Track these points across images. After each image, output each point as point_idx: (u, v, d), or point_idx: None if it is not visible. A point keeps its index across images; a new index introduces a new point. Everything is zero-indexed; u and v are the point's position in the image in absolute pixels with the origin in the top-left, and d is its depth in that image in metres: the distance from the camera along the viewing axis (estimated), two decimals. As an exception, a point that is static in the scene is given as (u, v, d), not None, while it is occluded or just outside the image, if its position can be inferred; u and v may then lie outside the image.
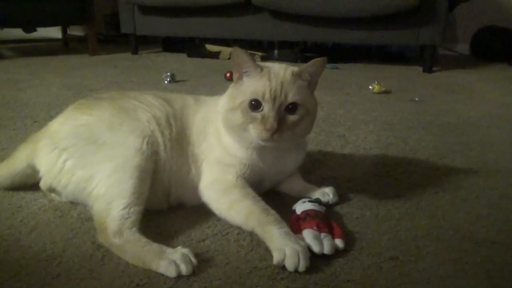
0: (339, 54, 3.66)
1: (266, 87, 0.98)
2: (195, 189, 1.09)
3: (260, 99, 0.98)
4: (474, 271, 0.90)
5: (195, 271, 0.85)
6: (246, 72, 1.02)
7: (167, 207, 1.11)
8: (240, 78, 1.03)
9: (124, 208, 0.94)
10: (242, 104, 1.00)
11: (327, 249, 0.91)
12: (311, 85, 1.04)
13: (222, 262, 0.90)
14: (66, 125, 1.08)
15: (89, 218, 1.05)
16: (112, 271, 0.86)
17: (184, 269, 0.84)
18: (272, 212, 0.97)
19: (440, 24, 3.06)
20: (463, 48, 4.19)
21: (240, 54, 1.00)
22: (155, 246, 0.90)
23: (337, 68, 3.31)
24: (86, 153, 1.01)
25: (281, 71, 1.02)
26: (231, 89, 1.07)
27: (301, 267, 0.85)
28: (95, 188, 0.98)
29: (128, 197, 0.95)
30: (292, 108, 0.99)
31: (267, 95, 0.97)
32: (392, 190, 1.27)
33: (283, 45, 3.68)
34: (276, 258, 0.87)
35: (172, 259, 0.85)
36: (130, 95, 1.16)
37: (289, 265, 0.85)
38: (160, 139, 1.06)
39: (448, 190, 1.27)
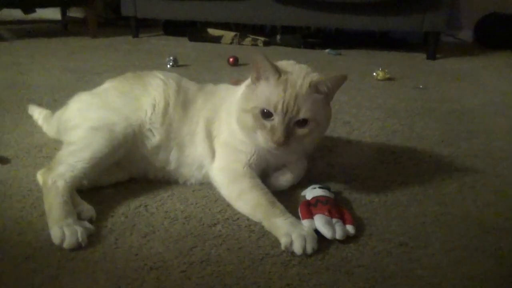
0: (342, 40, 3.63)
1: (279, 98, 0.97)
2: (196, 162, 1.14)
3: (271, 109, 0.98)
4: (482, 257, 0.91)
5: (80, 247, 0.87)
6: (264, 75, 1.01)
7: (162, 175, 1.16)
8: (257, 79, 1.02)
9: (77, 162, 1.01)
10: (254, 109, 1.00)
11: (338, 235, 0.92)
12: (328, 97, 1.03)
13: (234, 247, 0.91)
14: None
15: (101, 200, 1.05)
16: (126, 254, 0.87)
17: (67, 242, 0.85)
18: (278, 204, 0.99)
19: (445, 10, 3.04)
20: (466, 34, 4.16)
21: (260, 58, 0.99)
22: (66, 209, 0.92)
23: (340, 54, 3.29)
24: (91, 106, 1.16)
25: (298, 80, 0.99)
26: (247, 88, 1.05)
27: (308, 249, 0.88)
28: (72, 136, 1.10)
29: (87, 157, 1.02)
30: (302, 122, 0.99)
31: (279, 108, 0.97)
32: (399, 177, 1.28)
33: (286, 30, 3.64)
34: (284, 242, 0.89)
35: (62, 228, 0.87)
36: (151, 73, 1.26)
37: (296, 247, 0.88)
38: (169, 100, 1.16)
39: (455, 177, 1.28)
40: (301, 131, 0.99)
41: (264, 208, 0.98)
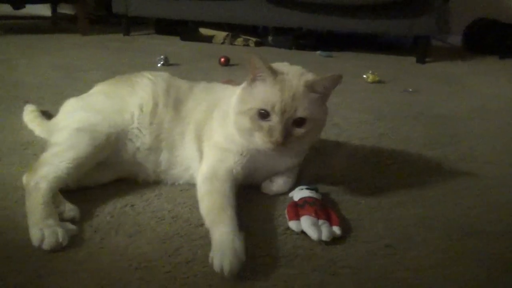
0: (333, 42, 3.65)
1: (277, 98, 0.97)
2: (184, 163, 1.13)
3: (269, 109, 0.98)
4: (464, 259, 0.93)
5: (60, 249, 0.85)
6: (260, 76, 1.01)
7: (153, 178, 1.15)
8: (253, 80, 1.02)
9: (61, 162, 1.00)
10: (251, 110, 1.00)
11: (325, 236, 0.92)
12: (324, 97, 1.04)
13: (221, 247, 0.91)
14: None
15: (87, 200, 1.05)
16: (110, 254, 0.87)
17: (46, 243, 0.84)
18: (229, 211, 0.92)
19: (435, 14, 3.08)
20: (455, 39, 4.21)
21: (256, 61, 0.99)
22: (47, 210, 0.91)
23: (331, 56, 3.31)
24: (77, 109, 1.17)
25: (294, 80, 1.00)
26: (243, 90, 1.05)
27: (225, 269, 0.79)
28: (56, 138, 1.09)
29: (71, 157, 1.01)
30: (300, 121, 0.99)
31: (277, 107, 0.97)
32: (385, 179, 1.29)
33: (278, 31, 3.65)
34: (209, 258, 0.83)
35: (42, 230, 0.85)
36: (139, 73, 1.26)
37: (215, 264, 0.80)
38: (158, 100, 1.16)
39: (439, 181, 1.30)
40: (299, 130, 1.00)
41: (213, 213, 0.93)
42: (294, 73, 1.02)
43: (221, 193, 0.99)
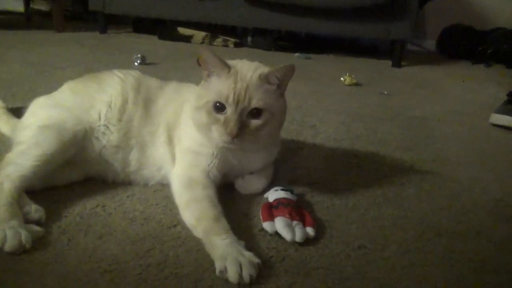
0: (312, 44, 3.68)
1: (230, 90, 0.97)
2: (156, 163, 1.12)
3: (223, 101, 0.97)
4: (436, 259, 0.94)
5: (23, 251, 0.82)
6: (214, 71, 1.01)
7: (123, 178, 1.13)
8: (208, 76, 1.03)
9: (26, 160, 0.98)
10: (207, 104, 0.99)
11: (298, 237, 0.92)
12: (280, 88, 1.04)
13: (193, 249, 0.89)
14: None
15: (56, 201, 1.01)
16: (78, 256, 0.84)
17: (8, 245, 0.80)
18: (223, 220, 0.92)
19: (411, 19, 3.14)
20: (430, 44, 4.31)
21: (207, 54, 1.00)
22: (11, 211, 0.87)
23: (310, 58, 3.33)
24: (43, 107, 1.14)
25: (248, 73, 1.00)
26: (200, 86, 1.06)
27: (245, 277, 0.79)
28: (21, 136, 1.06)
29: (37, 154, 0.99)
30: (256, 113, 0.99)
31: (231, 99, 0.97)
32: (361, 180, 1.30)
33: (257, 33, 3.65)
34: (217, 267, 0.81)
35: (4, 231, 0.82)
36: (109, 71, 1.23)
37: (231, 275, 0.79)
38: (127, 97, 1.14)
39: (413, 182, 1.32)
40: (255, 122, 0.99)
41: (206, 222, 0.91)
42: (249, 67, 1.03)
43: (207, 200, 0.97)
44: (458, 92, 2.67)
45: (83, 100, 1.13)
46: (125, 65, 2.53)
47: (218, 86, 1.00)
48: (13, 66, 2.29)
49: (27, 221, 0.89)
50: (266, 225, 0.96)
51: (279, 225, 0.94)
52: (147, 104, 1.15)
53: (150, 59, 2.65)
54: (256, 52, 3.46)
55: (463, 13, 4.13)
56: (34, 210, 0.93)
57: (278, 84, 1.02)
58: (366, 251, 0.95)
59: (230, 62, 1.03)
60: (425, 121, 1.98)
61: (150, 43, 3.46)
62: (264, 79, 1.00)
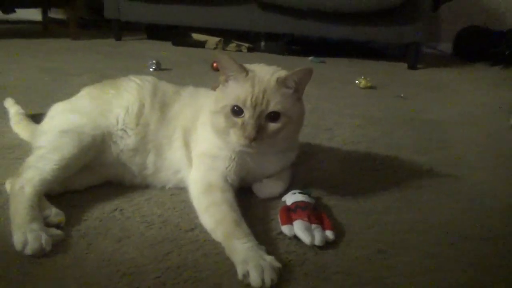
0: (325, 48, 3.67)
1: (248, 93, 0.97)
2: (173, 167, 1.12)
3: (241, 105, 0.98)
4: (457, 264, 0.92)
5: (43, 254, 0.83)
6: (231, 75, 1.02)
7: (140, 181, 1.14)
8: (226, 80, 1.03)
9: (46, 164, 0.99)
10: (225, 108, 1.00)
11: (317, 240, 0.91)
12: (298, 92, 1.03)
13: (212, 252, 0.89)
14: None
15: (74, 205, 1.03)
16: (97, 260, 0.84)
17: (29, 248, 0.81)
18: (243, 225, 0.92)
19: (424, 22, 3.11)
20: (446, 47, 4.26)
21: (224, 58, 1.00)
22: (32, 215, 0.88)
23: (323, 62, 3.32)
24: (61, 112, 1.16)
25: (266, 76, 1.00)
26: (218, 90, 1.06)
27: (267, 281, 0.79)
28: (40, 141, 1.08)
29: (56, 159, 1.00)
30: (273, 116, 0.99)
31: (248, 102, 0.97)
32: (378, 184, 1.29)
33: (270, 37, 3.65)
34: (240, 271, 0.81)
35: (25, 234, 0.83)
36: (126, 77, 1.25)
37: (253, 279, 0.79)
38: (144, 102, 1.16)
39: (431, 186, 1.29)
40: (272, 125, 0.99)
41: (226, 226, 0.91)
42: (267, 71, 1.04)
43: (227, 204, 0.97)
44: (474, 94, 2.62)
45: (101, 105, 1.14)
46: (140, 71, 2.56)
47: (235, 90, 1.00)
48: (31, 73, 2.34)
49: (47, 224, 0.90)
50: (285, 229, 0.95)
51: (298, 228, 0.93)
52: (163, 108, 1.16)
53: (164, 65, 2.68)
54: (269, 56, 3.46)
55: (478, 14, 4.08)
56: (54, 214, 0.94)
57: (296, 88, 1.02)
58: (385, 256, 0.93)
59: (248, 66, 1.03)
60: (442, 124, 1.95)
61: (164, 49, 3.49)
62: (282, 82, 1.00)
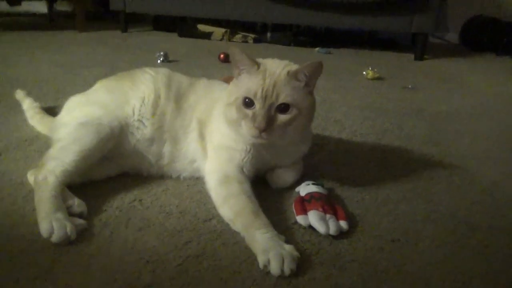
0: (332, 39, 3.66)
1: (259, 86, 0.99)
2: (189, 156, 1.15)
3: (252, 97, 1.00)
4: (470, 254, 0.94)
5: (69, 242, 0.86)
6: (244, 69, 1.04)
7: (156, 170, 1.16)
8: (239, 74, 1.05)
9: (67, 156, 1.02)
10: (237, 100, 1.02)
11: (332, 230, 0.93)
12: (308, 85, 1.05)
13: (230, 242, 0.92)
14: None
15: (95, 195, 1.05)
16: (121, 248, 0.87)
17: (55, 236, 0.85)
18: (262, 215, 0.94)
19: (433, 12, 3.10)
20: (452, 37, 4.24)
21: (237, 52, 1.02)
22: (56, 204, 0.91)
23: (330, 53, 3.31)
24: (79, 105, 1.19)
25: (277, 70, 1.02)
26: (231, 83, 1.08)
27: (286, 270, 0.81)
28: (60, 133, 1.11)
29: (77, 150, 1.03)
30: (283, 108, 1.00)
31: (259, 94, 0.99)
32: (389, 175, 1.30)
33: (276, 28, 3.65)
34: (261, 261, 0.83)
35: (51, 223, 0.86)
36: (140, 69, 1.27)
37: (273, 268, 0.81)
38: (160, 92, 1.18)
39: (442, 177, 1.31)
40: (283, 117, 1.01)
41: (246, 217, 0.93)
42: (278, 64, 1.05)
43: (245, 195, 0.99)
44: (483, 85, 2.62)
45: (117, 97, 1.17)
46: (148, 63, 2.57)
47: (247, 83, 1.02)
48: (41, 66, 2.36)
49: (70, 214, 0.93)
50: (300, 219, 0.98)
51: (313, 218, 0.96)
52: (178, 99, 1.18)
53: (171, 56, 2.69)
54: (275, 47, 3.46)
55: (486, 4, 4.04)
56: (77, 204, 0.96)
57: (307, 82, 1.03)
58: (399, 245, 0.95)
59: (260, 60, 1.05)
60: (451, 115, 1.96)
61: (171, 40, 3.50)
62: (293, 76, 1.02)
